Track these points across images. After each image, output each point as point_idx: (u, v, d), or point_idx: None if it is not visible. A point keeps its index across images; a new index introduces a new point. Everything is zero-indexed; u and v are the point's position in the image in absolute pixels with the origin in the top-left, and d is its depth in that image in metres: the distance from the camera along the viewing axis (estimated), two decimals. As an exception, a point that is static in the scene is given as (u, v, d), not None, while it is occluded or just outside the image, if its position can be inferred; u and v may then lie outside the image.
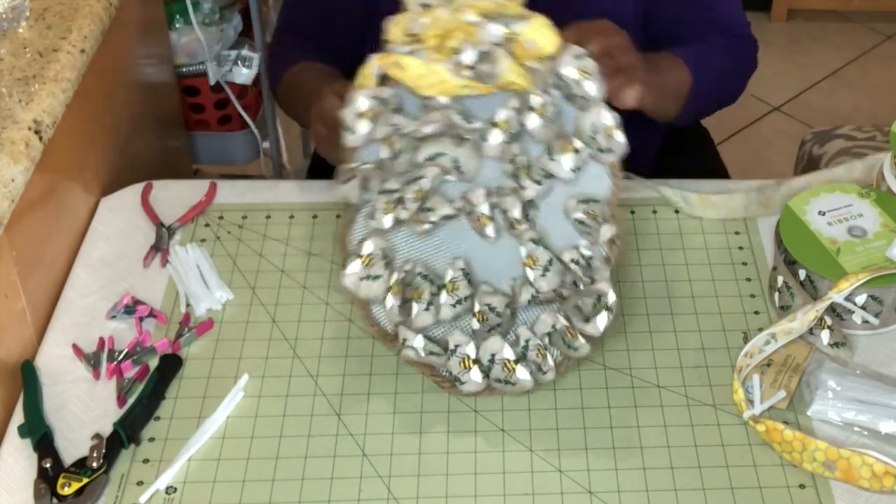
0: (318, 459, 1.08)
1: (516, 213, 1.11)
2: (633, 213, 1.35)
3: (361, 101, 1.12)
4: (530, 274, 1.10)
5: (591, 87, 1.07)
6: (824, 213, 1.23)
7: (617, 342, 1.19)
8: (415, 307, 1.11)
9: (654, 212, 1.35)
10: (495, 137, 1.11)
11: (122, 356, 1.16)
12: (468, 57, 1.08)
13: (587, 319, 1.07)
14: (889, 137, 1.31)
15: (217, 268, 1.28)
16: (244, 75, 2.11)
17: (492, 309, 1.10)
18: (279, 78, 1.49)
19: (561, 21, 1.12)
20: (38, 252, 1.23)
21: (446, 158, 1.12)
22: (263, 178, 2.26)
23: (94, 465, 1.05)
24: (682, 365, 1.17)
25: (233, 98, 2.08)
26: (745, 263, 1.29)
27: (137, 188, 1.39)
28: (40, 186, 1.22)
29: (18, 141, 1.15)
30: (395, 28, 1.13)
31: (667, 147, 1.58)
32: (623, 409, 1.12)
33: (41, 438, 1.08)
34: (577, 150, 1.09)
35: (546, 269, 1.10)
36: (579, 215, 1.11)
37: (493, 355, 1.08)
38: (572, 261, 1.10)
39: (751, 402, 1.11)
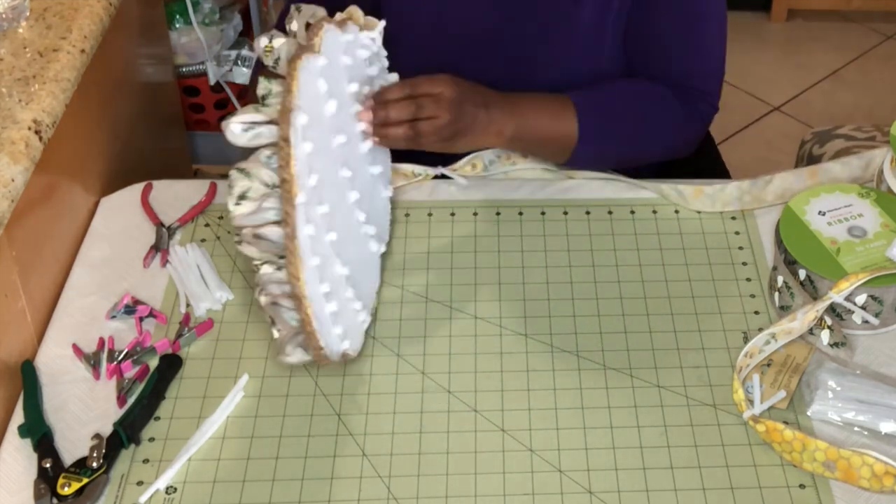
0: (318, 459, 1.08)
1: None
2: (632, 213, 1.35)
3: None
4: None
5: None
6: (824, 213, 1.23)
7: (617, 342, 1.19)
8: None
9: (654, 212, 1.35)
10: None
11: (122, 356, 1.16)
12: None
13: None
14: (889, 138, 1.31)
15: (217, 268, 1.28)
16: (244, 75, 2.11)
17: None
18: None
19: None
20: (38, 252, 1.23)
21: None
22: (263, 178, 2.26)
23: (94, 465, 1.05)
24: (682, 365, 1.17)
25: (233, 98, 2.08)
26: (745, 263, 1.29)
27: (137, 188, 1.39)
28: (40, 186, 1.22)
29: (18, 141, 1.15)
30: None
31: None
32: (623, 409, 1.12)
33: (41, 438, 1.08)
34: None
35: None
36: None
37: None
38: None
39: (751, 402, 1.11)
